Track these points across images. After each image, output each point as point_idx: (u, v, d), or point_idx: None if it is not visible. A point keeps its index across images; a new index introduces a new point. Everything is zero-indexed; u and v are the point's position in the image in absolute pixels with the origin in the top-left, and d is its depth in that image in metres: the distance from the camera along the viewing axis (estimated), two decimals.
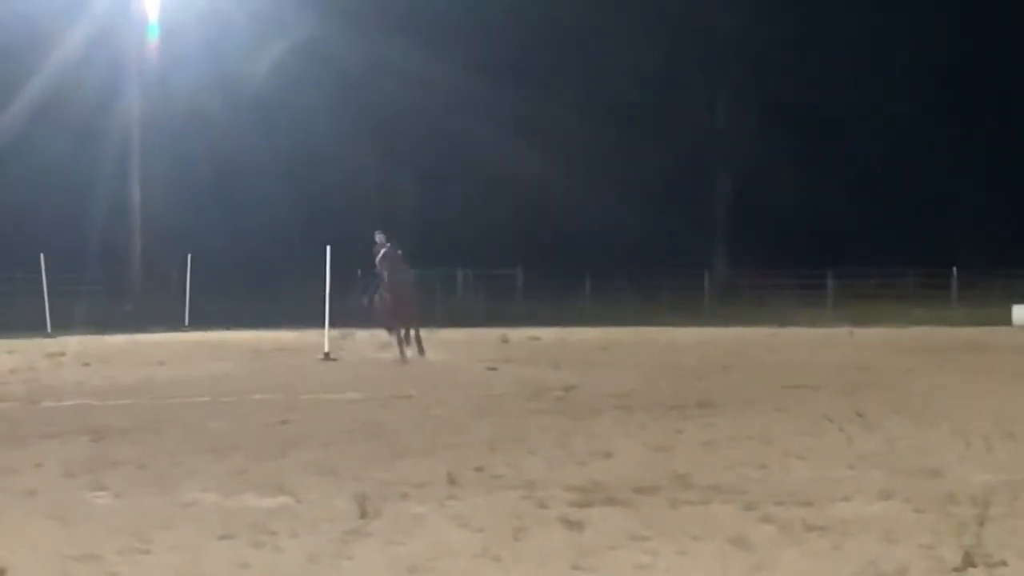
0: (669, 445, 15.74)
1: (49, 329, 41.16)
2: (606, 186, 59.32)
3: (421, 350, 30.18)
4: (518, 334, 37.95)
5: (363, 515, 11.24)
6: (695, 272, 54.30)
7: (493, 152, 60.08)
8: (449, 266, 54.45)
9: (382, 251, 29.78)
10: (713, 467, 13.93)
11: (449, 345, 34.15)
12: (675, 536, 10.52)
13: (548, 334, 38.63)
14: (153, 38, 52.04)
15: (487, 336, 37.81)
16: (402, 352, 30.05)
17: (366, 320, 32.51)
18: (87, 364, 29.18)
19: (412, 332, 30.49)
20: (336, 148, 58.51)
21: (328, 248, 31.68)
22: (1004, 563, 9.41)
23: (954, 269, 51.63)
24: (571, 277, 53.73)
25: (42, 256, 42.96)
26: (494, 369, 26.89)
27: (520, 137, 60.12)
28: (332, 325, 32.74)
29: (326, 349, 31.00)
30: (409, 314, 30.52)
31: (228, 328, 42.14)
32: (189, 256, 47.58)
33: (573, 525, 10.93)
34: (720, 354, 30.72)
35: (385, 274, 29.75)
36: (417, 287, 31.78)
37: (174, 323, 44.66)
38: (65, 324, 40.75)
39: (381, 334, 32.26)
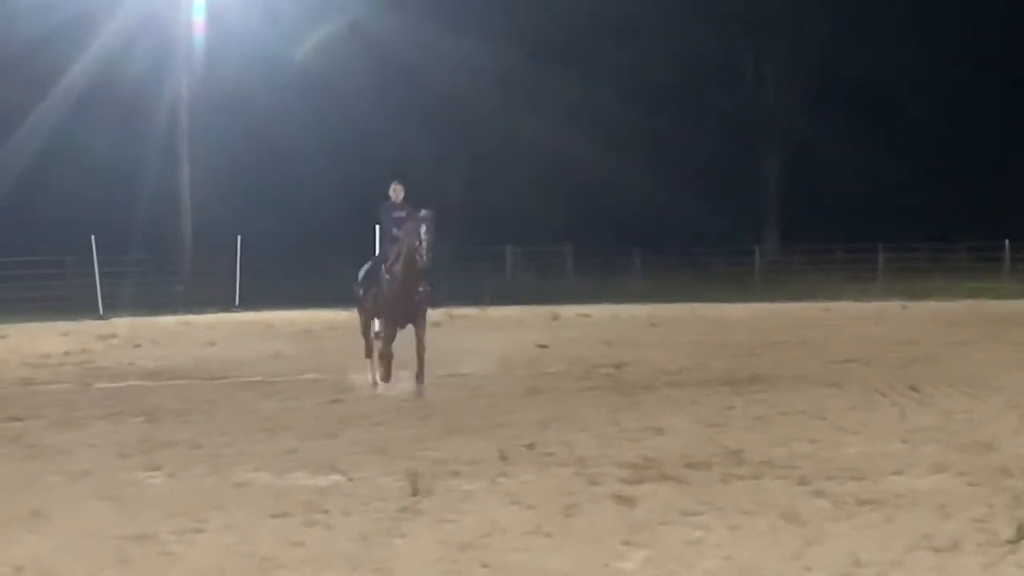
0: (720, 421, 15.72)
1: (101, 311, 41.27)
2: (655, 164, 58.97)
3: (420, 375, 19.76)
4: (568, 312, 37.89)
5: (415, 493, 11.28)
6: (746, 248, 54.06)
7: (542, 133, 59.98)
8: (498, 244, 54.43)
9: (400, 212, 19.68)
10: (765, 443, 13.91)
11: (500, 323, 34.15)
12: (726, 511, 10.51)
13: (598, 311, 38.54)
14: (199, 17, 52.06)
15: (538, 314, 37.75)
16: (376, 377, 20.31)
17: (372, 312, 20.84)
18: (138, 345, 29.25)
19: (416, 339, 19.79)
20: (384, 129, 58.46)
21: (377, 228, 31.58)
22: None
23: (1007, 242, 51.20)
24: (621, 255, 53.60)
25: (93, 238, 43.10)
26: (544, 347, 26.85)
27: (569, 118, 59.93)
28: None
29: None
30: (411, 313, 19.72)
31: (278, 308, 42.23)
32: (239, 237, 47.67)
33: (625, 501, 10.94)
34: (771, 330, 30.56)
35: (405, 245, 19.29)
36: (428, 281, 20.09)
37: (224, 304, 44.76)
38: (117, 306, 40.92)
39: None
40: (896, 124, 62.05)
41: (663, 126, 60.44)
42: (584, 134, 59.48)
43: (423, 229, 18.92)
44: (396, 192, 19.82)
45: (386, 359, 19.86)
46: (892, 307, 39.12)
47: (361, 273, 20.82)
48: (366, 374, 20.55)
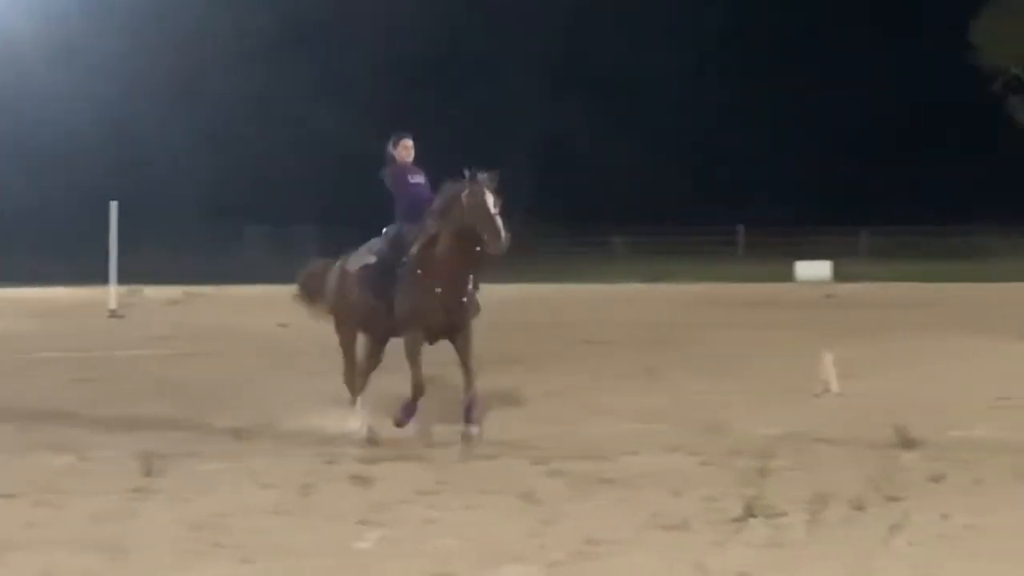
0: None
1: None
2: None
3: (471, 412, 13.14)
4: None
5: (148, 473, 11.10)
6: None
7: (294, 107, 59.56)
8: (245, 223, 53.96)
9: (418, 177, 13.91)
10: (504, 422, 14.01)
11: (240, 302, 33.84)
12: (464, 491, 10.57)
13: None
14: None
15: (279, 293, 37.31)
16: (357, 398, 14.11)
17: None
18: None
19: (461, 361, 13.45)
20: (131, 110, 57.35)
21: (113, 204, 30.97)
22: (784, 513, 9.62)
23: (740, 227, 52.66)
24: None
25: None
26: (285, 326, 26.66)
27: (323, 93, 59.51)
28: (120, 282, 32.08)
29: (112, 306, 30.42)
30: (455, 322, 13.36)
31: (9, 285, 41.06)
32: None
33: (362, 481, 10.93)
34: (519, 312, 30.83)
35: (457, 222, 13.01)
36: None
37: None
38: None
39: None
40: (638, 112, 63.14)
41: (423, 103, 60.49)
42: (336, 110, 59.10)
43: (489, 200, 12.80)
44: (406, 149, 13.90)
45: (364, 375, 14.17)
46: (636, 289, 39.80)
47: (343, 265, 14.15)
48: (349, 419, 13.87)
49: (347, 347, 14.19)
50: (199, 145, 60.21)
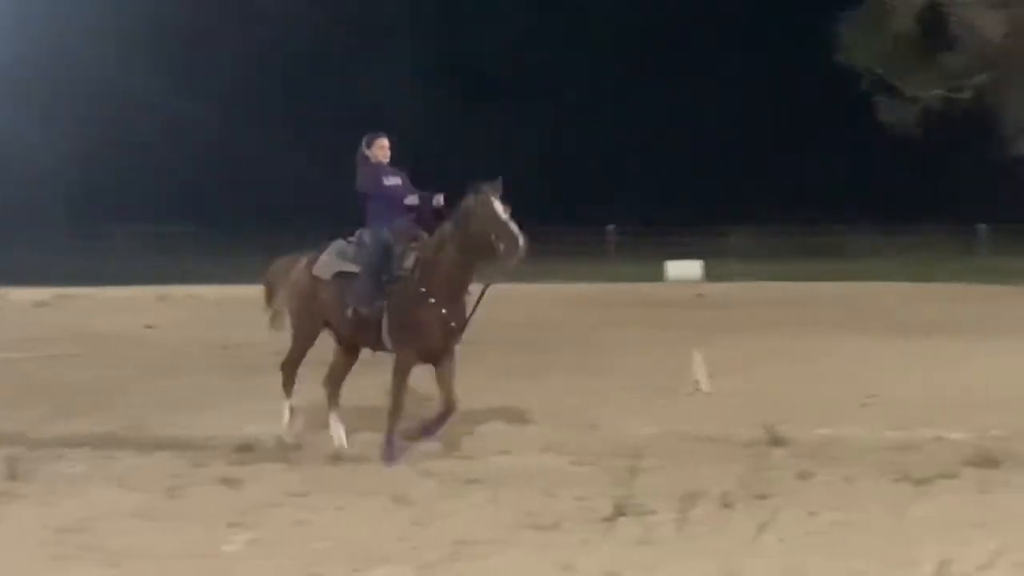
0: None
1: None
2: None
3: (436, 426, 12.61)
4: (178, 292, 37.26)
5: (13, 477, 10.92)
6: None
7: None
8: (112, 223, 53.21)
9: (394, 179, 13.01)
10: (380, 423, 13.92)
11: (109, 304, 33.44)
12: (335, 492, 10.51)
13: (212, 292, 37.91)
14: None
15: (146, 295, 36.95)
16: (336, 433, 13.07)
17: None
18: None
19: (446, 380, 12.77)
20: None
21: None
22: (654, 512, 9.67)
23: (611, 227, 52.94)
24: (239, 233, 52.92)
25: None
26: (151, 327, 26.42)
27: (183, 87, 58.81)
28: None
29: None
30: (451, 338, 12.76)
31: None
32: None
33: (232, 483, 10.83)
34: None
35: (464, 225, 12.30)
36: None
37: None
38: None
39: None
40: (506, 110, 63.19)
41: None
42: (206, 106, 58.51)
43: (499, 206, 12.14)
44: (382, 150, 13.02)
45: (334, 383, 13.37)
46: (505, 289, 39.68)
47: (308, 267, 13.11)
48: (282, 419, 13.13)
49: (300, 350, 13.29)
50: (68, 144, 59.33)
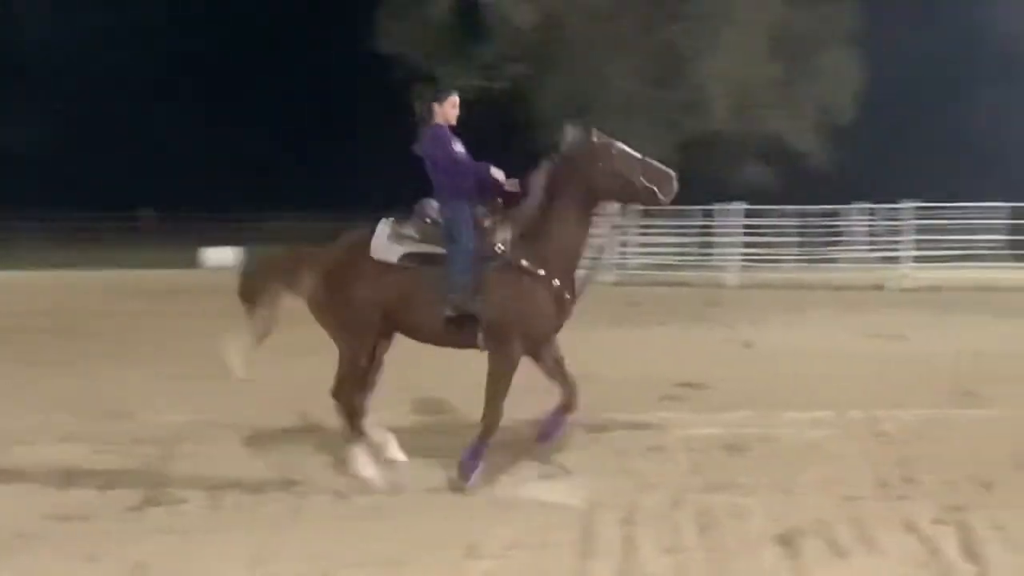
0: None
1: None
2: None
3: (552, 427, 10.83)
4: None
5: None
6: None
7: None
8: None
9: (459, 147, 10.80)
10: None
11: None
12: None
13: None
14: None
15: None
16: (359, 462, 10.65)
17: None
18: None
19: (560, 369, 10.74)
20: None
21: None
22: (184, 500, 9.61)
23: (146, 211, 52.42)
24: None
25: None
26: None
27: None
28: None
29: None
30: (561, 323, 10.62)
31: None
32: None
33: None
34: None
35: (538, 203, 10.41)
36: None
37: None
38: None
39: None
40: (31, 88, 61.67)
41: None
42: None
43: (621, 144, 10.36)
44: (454, 108, 10.78)
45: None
46: (32, 276, 38.67)
47: (356, 251, 10.67)
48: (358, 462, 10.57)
49: (357, 359, 10.63)
50: None
